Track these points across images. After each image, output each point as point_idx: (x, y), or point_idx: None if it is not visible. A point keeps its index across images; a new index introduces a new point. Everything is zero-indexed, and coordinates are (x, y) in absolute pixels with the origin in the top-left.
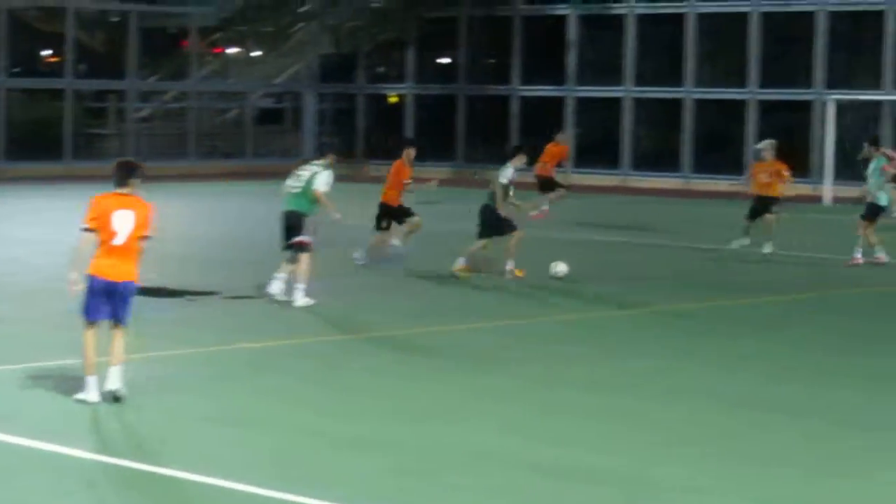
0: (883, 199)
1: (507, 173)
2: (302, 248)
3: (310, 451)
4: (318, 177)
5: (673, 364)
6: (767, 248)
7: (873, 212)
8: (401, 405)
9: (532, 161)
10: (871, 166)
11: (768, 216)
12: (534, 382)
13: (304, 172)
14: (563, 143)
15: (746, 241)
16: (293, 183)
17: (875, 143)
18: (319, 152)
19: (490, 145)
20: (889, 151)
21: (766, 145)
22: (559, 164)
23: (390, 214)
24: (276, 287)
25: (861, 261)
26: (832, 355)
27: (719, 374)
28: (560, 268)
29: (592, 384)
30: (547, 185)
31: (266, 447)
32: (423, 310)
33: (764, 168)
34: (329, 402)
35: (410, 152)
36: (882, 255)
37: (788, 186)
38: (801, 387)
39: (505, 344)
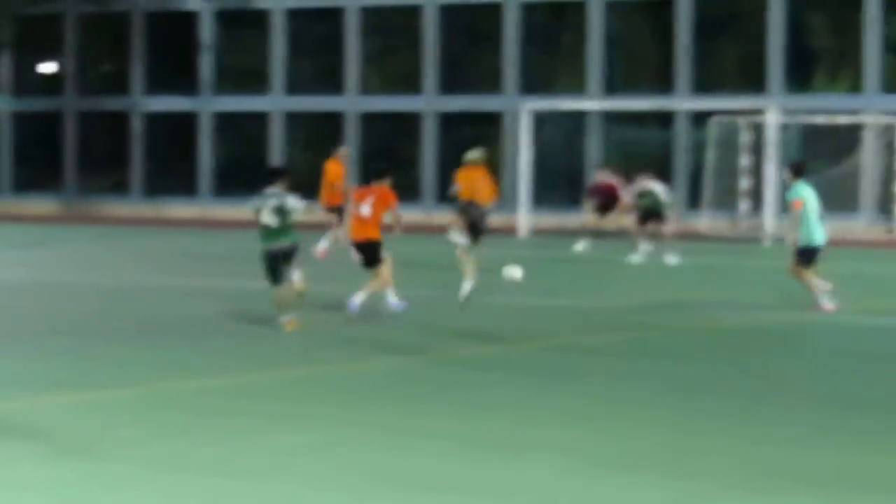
0: (818, 238)
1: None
2: None
3: None
4: None
5: (335, 437)
6: (467, 288)
7: (806, 255)
8: None
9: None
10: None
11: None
12: (151, 467)
13: None
14: (342, 160)
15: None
16: None
17: (798, 170)
18: None
19: (108, 172)
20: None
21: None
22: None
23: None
24: None
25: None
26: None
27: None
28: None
29: (226, 466)
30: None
31: None
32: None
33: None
34: None
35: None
36: (827, 303)
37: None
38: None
39: (118, 420)
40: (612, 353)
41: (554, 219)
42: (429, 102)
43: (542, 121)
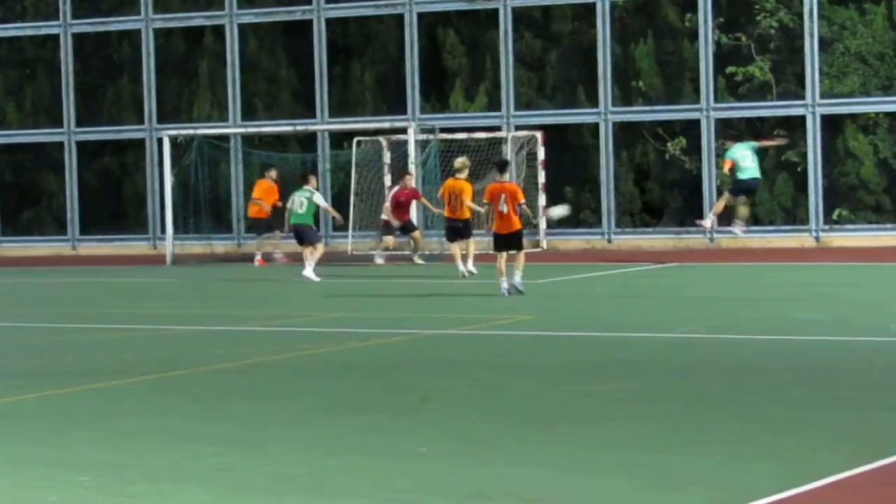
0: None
1: None
2: None
3: None
4: None
5: None
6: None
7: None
8: None
9: None
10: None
11: None
12: None
13: None
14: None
15: None
16: None
17: None
18: None
19: None
20: None
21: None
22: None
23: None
24: None
25: None
26: None
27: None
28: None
29: None
30: None
31: None
32: None
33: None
34: None
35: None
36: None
37: None
38: None
39: None
40: (263, 374)
41: (199, 245)
42: (69, 133)
43: (184, 148)
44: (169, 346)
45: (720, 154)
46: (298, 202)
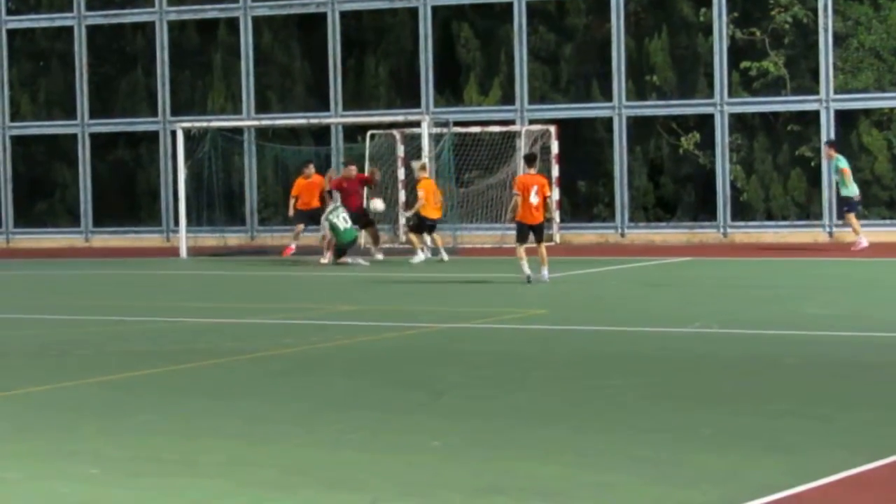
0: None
1: None
2: None
3: None
4: None
5: None
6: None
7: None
8: None
9: None
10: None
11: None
12: None
13: None
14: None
15: None
16: None
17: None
18: None
19: None
20: None
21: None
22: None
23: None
24: None
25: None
26: None
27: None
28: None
29: None
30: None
31: None
32: None
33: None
34: None
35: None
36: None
37: None
38: None
39: None
40: (275, 367)
41: (213, 238)
42: (82, 125)
43: (197, 140)
44: (181, 338)
45: (734, 149)
46: (343, 218)
